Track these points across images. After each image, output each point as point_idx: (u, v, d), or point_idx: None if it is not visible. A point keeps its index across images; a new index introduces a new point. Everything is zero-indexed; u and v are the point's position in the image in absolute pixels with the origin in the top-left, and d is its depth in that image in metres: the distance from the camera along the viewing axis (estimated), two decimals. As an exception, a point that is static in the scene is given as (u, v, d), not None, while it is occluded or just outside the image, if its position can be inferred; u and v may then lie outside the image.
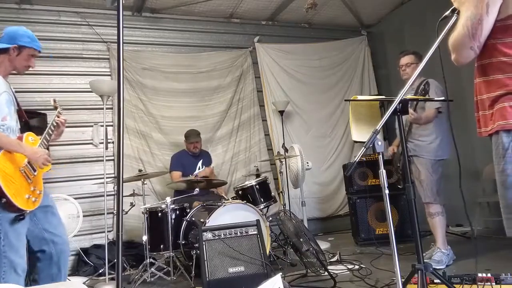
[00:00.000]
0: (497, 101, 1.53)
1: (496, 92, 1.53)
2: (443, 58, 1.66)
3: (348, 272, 3.26)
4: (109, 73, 4.89)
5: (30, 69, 2.42)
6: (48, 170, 2.41)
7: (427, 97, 2.58)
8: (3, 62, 2.29)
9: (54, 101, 2.62)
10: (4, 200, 2.06)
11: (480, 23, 1.47)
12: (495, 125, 1.52)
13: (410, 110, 2.99)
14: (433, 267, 2.13)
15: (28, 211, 2.19)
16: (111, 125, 4.77)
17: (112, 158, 4.66)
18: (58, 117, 2.52)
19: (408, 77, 3.34)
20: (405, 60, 3.44)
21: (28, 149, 2.26)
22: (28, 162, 2.26)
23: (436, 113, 3.17)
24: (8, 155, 2.16)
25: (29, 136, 2.37)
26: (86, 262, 4.10)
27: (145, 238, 3.54)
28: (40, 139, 2.42)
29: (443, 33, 1.63)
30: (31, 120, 2.68)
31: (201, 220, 3.37)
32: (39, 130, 2.53)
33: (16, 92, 2.48)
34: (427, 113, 3.18)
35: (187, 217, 3.65)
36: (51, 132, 2.47)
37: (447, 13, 1.68)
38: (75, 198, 3.90)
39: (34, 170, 2.30)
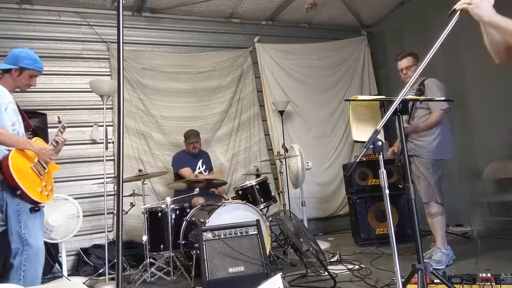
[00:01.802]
0: None
1: None
2: (445, 58, 1.65)
3: (348, 272, 3.26)
4: (109, 73, 4.88)
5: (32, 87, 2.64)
6: (57, 170, 2.69)
7: (424, 97, 2.57)
8: (7, 80, 2.52)
9: (58, 117, 2.86)
10: (19, 192, 2.30)
11: None
12: None
13: (405, 124, 2.93)
14: (433, 267, 2.13)
15: (42, 204, 2.41)
16: (111, 125, 4.77)
17: (112, 158, 4.66)
18: (61, 132, 2.77)
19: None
20: (404, 63, 3.36)
21: (35, 145, 2.48)
22: (38, 160, 2.46)
23: (443, 114, 3.09)
24: (20, 152, 2.37)
25: (37, 140, 2.63)
26: (86, 262, 4.10)
27: (145, 238, 3.54)
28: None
29: (443, 34, 1.62)
30: (31, 120, 2.79)
31: (201, 220, 3.37)
32: (39, 130, 2.66)
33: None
34: (431, 118, 3.10)
35: (187, 217, 3.65)
36: (53, 148, 2.68)
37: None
38: (75, 198, 3.89)
39: (44, 168, 2.51)
